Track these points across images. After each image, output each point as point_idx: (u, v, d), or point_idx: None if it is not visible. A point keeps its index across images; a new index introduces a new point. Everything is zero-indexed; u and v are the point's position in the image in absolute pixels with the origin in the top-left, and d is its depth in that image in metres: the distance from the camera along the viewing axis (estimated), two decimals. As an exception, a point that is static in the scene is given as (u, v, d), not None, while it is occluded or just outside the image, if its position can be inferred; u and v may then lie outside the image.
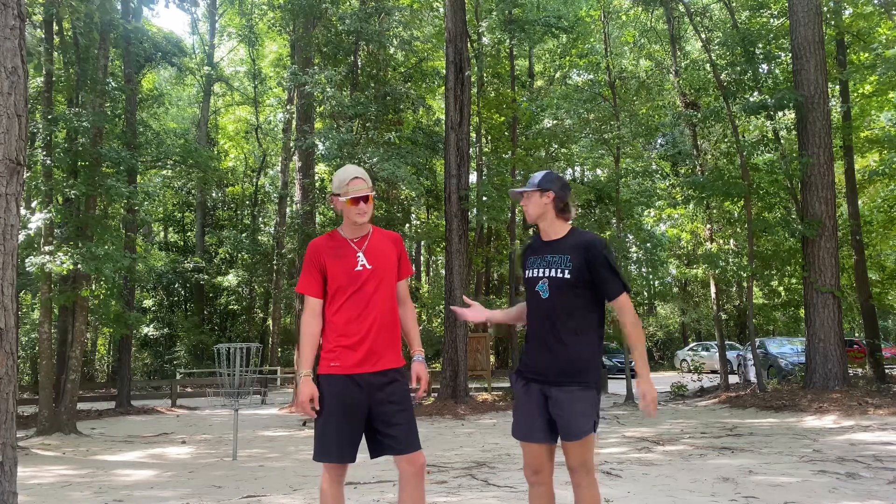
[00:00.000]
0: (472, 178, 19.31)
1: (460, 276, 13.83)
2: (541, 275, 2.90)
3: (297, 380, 3.01)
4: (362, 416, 2.93)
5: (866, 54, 15.12)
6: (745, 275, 14.60)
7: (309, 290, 3.06)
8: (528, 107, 18.69)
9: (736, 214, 16.66)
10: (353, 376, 2.91)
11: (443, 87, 16.11)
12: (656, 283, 29.69)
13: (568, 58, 21.44)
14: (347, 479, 5.64)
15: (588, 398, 2.82)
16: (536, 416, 2.88)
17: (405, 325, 3.17)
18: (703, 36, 15.65)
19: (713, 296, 17.57)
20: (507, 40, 18.65)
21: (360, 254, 3.05)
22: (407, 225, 26.76)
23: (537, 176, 3.02)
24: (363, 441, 3.00)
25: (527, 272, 3.00)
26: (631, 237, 17.55)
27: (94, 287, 11.56)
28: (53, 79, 12.25)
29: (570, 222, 3.05)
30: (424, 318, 27.85)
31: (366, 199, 3.03)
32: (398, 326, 3.10)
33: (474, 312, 3.21)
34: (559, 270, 2.86)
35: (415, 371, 3.12)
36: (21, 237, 8.29)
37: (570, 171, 27.51)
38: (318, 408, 2.92)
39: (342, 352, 2.94)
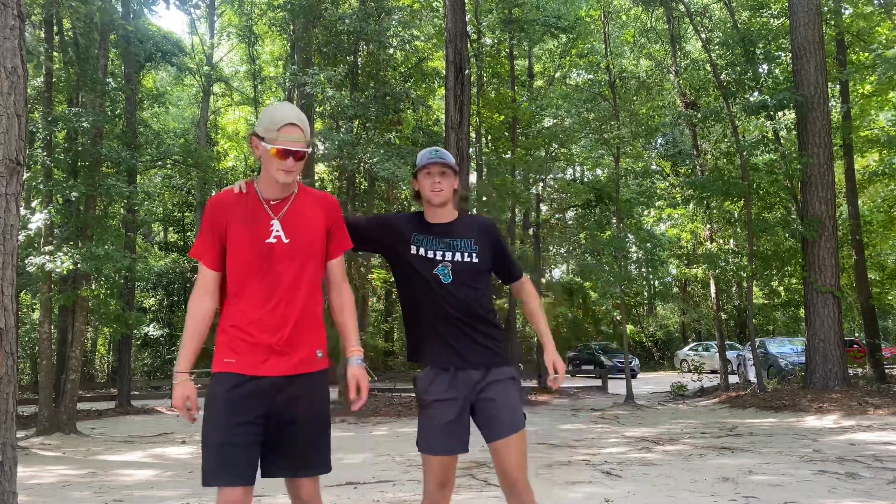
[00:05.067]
0: (472, 178, 19.30)
1: (460, 276, 13.80)
2: (440, 258, 2.63)
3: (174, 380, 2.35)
4: (260, 427, 2.29)
5: (866, 54, 15.12)
6: (745, 275, 14.62)
7: (203, 256, 2.38)
8: (528, 106, 18.69)
9: (736, 214, 16.67)
10: (252, 378, 2.28)
11: (443, 87, 16.11)
12: (656, 283, 29.70)
13: (568, 58, 21.44)
14: (347, 479, 5.66)
15: (518, 388, 2.66)
16: (460, 423, 2.58)
17: (339, 318, 2.52)
18: (703, 36, 15.66)
19: (713, 296, 17.58)
20: (507, 40, 18.65)
21: (276, 221, 2.37)
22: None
23: (448, 154, 2.72)
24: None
25: (414, 248, 2.65)
26: (631, 237, 17.55)
27: (94, 287, 11.55)
28: (53, 79, 12.24)
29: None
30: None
31: (298, 155, 2.32)
32: (320, 320, 2.46)
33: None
34: (466, 255, 2.66)
35: (352, 377, 2.45)
36: (21, 237, 8.29)
37: (570, 170, 27.51)
38: (194, 410, 2.31)
39: (240, 346, 2.31)
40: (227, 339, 2.34)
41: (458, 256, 2.65)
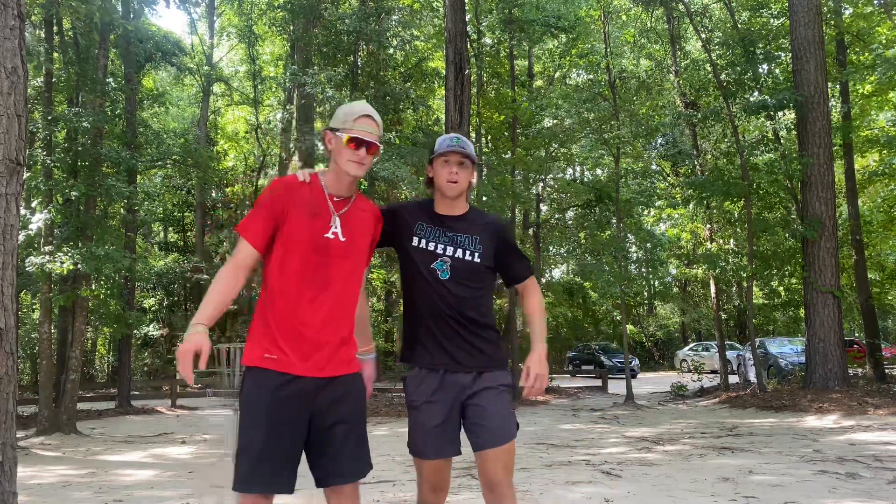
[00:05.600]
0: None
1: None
2: (441, 252, 2.51)
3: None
4: (302, 432, 2.23)
5: (866, 54, 15.13)
6: (745, 275, 14.61)
7: (250, 232, 2.28)
8: (527, 106, 18.70)
9: (736, 214, 16.69)
10: (295, 377, 2.22)
11: (443, 87, 16.11)
12: (656, 283, 29.74)
13: (568, 58, 21.45)
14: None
15: (509, 397, 2.54)
16: (449, 425, 2.49)
17: (357, 317, 2.54)
18: (703, 36, 15.66)
19: (713, 296, 17.57)
20: (507, 40, 18.66)
21: (337, 218, 2.35)
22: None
23: (469, 144, 2.57)
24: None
25: (415, 240, 2.54)
26: (631, 237, 17.54)
27: (94, 287, 11.55)
28: (53, 79, 12.24)
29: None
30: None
31: (370, 146, 2.33)
32: (356, 320, 2.48)
33: None
34: (468, 252, 2.51)
35: (366, 371, 2.53)
36: (21, 237, 8.29)
37: (570, 170, 27.52)
38: (202, 367, 2.10)
39: (284, 341, 2.23)
40: (269, 332, 2.26)
41: (458, 253, 2.51)
